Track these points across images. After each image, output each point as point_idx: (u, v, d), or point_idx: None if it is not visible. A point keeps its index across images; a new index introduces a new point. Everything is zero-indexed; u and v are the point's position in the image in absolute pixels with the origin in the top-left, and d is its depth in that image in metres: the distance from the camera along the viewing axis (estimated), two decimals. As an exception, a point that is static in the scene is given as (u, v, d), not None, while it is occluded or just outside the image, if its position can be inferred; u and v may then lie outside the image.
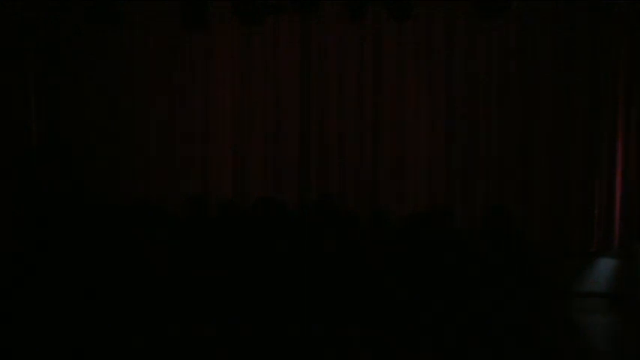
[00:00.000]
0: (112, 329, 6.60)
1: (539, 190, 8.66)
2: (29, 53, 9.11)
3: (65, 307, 7.11)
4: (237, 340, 6.31)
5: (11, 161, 9.05)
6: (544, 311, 7.70)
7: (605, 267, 8.51)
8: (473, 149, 8.82)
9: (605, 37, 8.49)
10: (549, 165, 8.64)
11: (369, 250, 7.21)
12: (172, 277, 7.16)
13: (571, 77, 8.59)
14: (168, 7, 9.07)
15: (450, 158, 8.87)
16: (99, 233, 7.54)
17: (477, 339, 6.42)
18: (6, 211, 8.81)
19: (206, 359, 5.98)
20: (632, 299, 8.26)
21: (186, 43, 9.20)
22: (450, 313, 6.85)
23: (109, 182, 9.20)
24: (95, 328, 6.61)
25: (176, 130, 9.26)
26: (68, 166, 9.20)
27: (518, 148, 8.72)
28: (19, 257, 7.96)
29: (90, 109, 9.27)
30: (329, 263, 7.05)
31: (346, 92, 9.04)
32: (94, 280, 7.24)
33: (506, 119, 8.75)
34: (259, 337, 6.34)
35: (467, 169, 8.83)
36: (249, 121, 9.22)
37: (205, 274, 7.13)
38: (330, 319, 6.74)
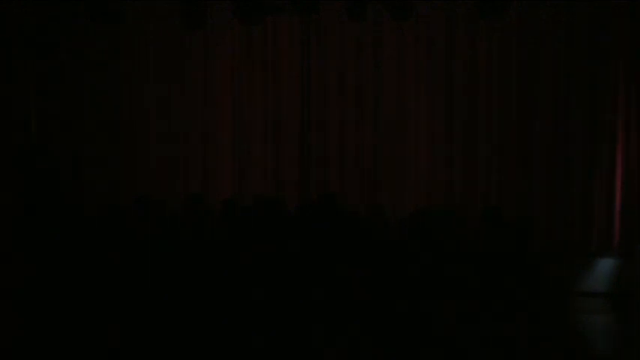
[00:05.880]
0: (111, 328, 6.61)
1: (539, 190, 8.66)
2: (29, 53, 9.11)
3: (64, 307, 7.11)
4: (237, 340, 6.31)
5: (11, 161, 9.06)
6: (544, 311, 7.70)
7: (605, 267, 8.51)
8: (473, 149, 8.82)
9: (605, 37, 8.49)
10: (549, 165, 8.64)
11: (369, 250, 7.21)
12: (172, 277, 7.16)
13: (571, 77, 8.59)
14: (168, 7, 9.07)
15: (450, 158, 8.87)
16: (98, 233, 7.53)
17: (477, 339, 6.42)
18: (6, 210, 8.81)
19: (204, 359, 5.98)
20: (632, 299, 8.26)
21: (186, 43, 9.21)
22: (450, 313, 6.85)
23: (109, 182, 9.21)
24: (94, 328, 6.61)
25: (176, 130, 9.26)
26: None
27: (518, 148, 8.71)
28: (18, 257, 7.96)
29: (90, 109, 9.27)
30: (329, 263, 7.05)
31: (346, 92, 9.04)
32: (93, 279, 7.24)
33: (506, 119, 8.75)
34: (258, 337, 6.34)
35: (467, 169, 8.83)
36: (249, 121, 9.23)
37: (205, 274, 7.13)
38: (329, 319, 6.74)
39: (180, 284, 7.09)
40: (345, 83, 9.05)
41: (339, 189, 8.91)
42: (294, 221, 7.47)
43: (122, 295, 7.13)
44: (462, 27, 8.80)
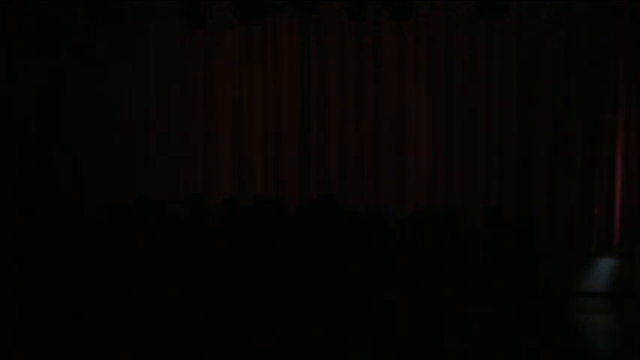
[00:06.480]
0: (111, 329, 6.61)
1: (539, 190, 8.66)
2: (29, 53, 9.11)
3: (63, 307, 7.11)
4: (237, 339, 6.31)
5: (11, 161, 9.05)
6: (544, 311, 7.70)
7: (605, 267, 8.51)
8: (473, 149, 8.82)
9: (605, 37, 8.49)
10: (549, 165, 8.64)
11: (369, 250, 7.20)
12: (172, 277, 7.16)
13: (571, 77, 8.59)
14: (168, 7, 9.08)
15: (450, 158, 8.87)
16: (99, 233, 7.54)
17: (477, 339, 6.42)
18: (5, 210, 8.80)
19: (204, 358, 5.98)
20: (632, 299, 8.26)
21: (186, 43, 9.21)
22: (450, 313, 6.85)
23: (109, 182, 9.21)
24: (94, 328, 6.61)
25: (176, 130, 9.26)
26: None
27: (518, 148, 8.71)
28: (18, 257, 7.96)
29: (90, 109, 9.27)
30: (329, 263, 7.05)
31: (346, 92, 9.05)
32: (92, 279, 7.24)
33: (506, 119, 8.75)
34: (258, 337, 6.34)
35: (467, 169, 8.83)
36: (249, 121, 9.23)
37: (205, 274, 7.13)
38: (329, 319, 6.74)
39: (180, 284, 7.09)
40: (345, 83, 9.05)
41: (339, 189, 8.91)
42: (294, 221, 7.47)
43: (122, 295, 7.13)
44: (462, 27, 8.81)
